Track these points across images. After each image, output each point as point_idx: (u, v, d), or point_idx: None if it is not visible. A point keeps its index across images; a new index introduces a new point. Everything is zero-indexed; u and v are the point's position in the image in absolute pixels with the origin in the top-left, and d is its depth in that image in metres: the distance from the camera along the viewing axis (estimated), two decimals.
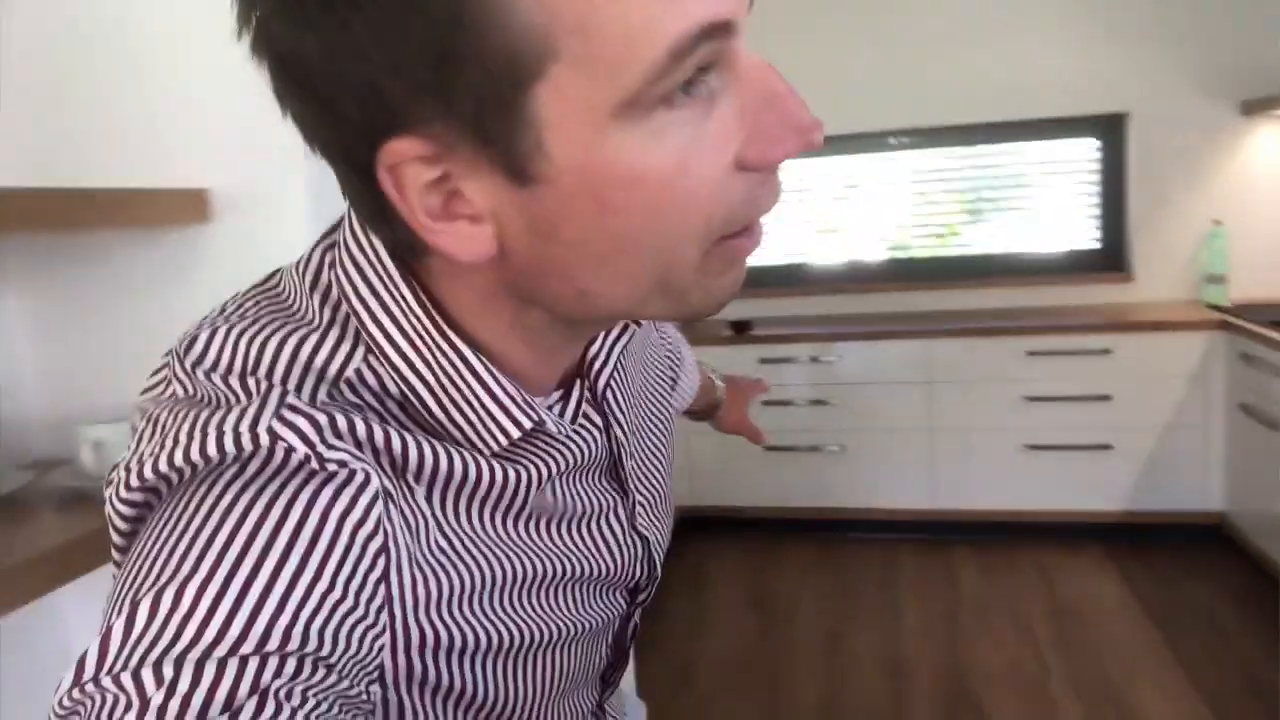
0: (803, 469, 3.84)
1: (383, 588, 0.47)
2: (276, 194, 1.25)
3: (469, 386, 0.52)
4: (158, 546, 0.44)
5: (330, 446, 0.46)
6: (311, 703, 0.40)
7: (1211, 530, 3.49)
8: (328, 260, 0.54)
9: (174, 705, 0.38)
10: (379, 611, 0.46)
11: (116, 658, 0.40)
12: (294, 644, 0.41)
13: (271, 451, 0.45)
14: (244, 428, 0.45)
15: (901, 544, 3.74)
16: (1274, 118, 3.58)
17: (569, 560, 0.61)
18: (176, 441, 0.46)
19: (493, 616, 0.54)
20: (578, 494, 0.62)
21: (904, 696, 2.72)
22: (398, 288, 0.51)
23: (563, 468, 0.59)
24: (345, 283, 0.52)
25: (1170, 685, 2.65)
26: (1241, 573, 3.27)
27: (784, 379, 3.78)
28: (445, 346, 0.51)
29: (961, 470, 3.70)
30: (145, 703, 0.38)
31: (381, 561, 0.47)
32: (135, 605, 0.41)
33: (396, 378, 0.51)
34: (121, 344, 1.34)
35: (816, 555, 3.72)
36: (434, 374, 0.51)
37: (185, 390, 0.51)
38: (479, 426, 0.52)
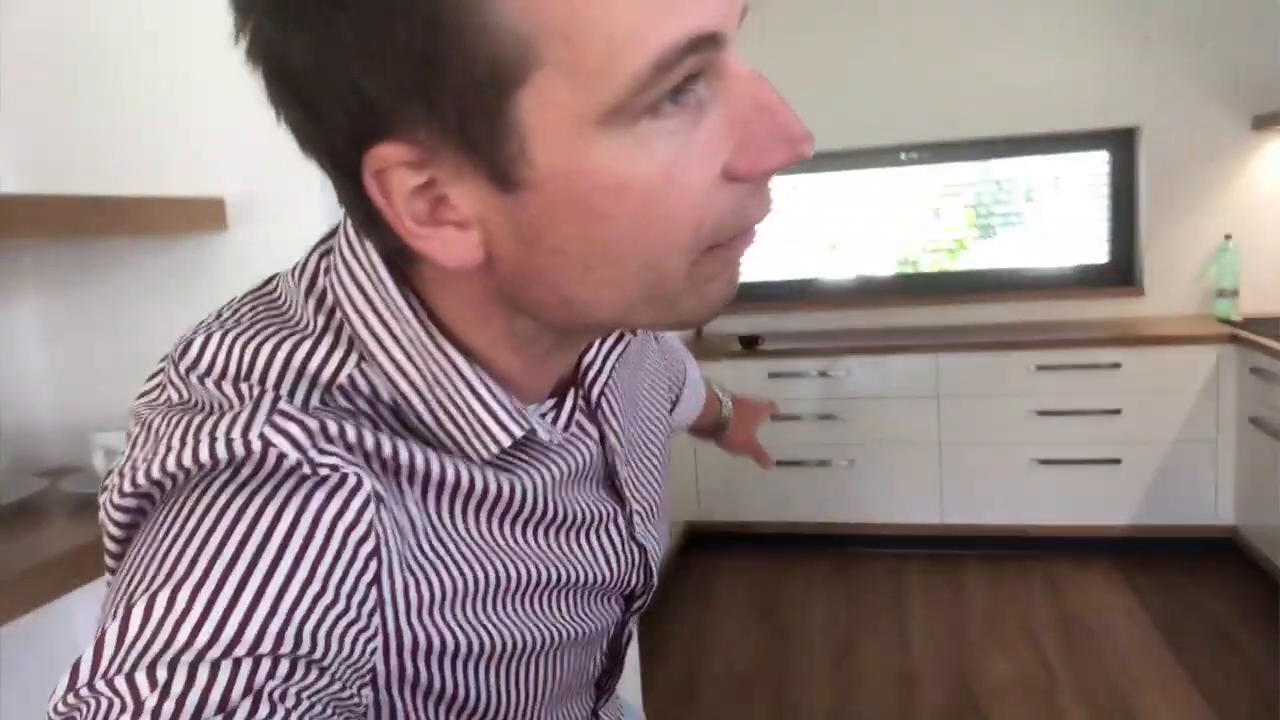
0: (811, 483, 3.83)
1: (374, 591, 0.47)
2: (292, 202, 1.25)
3: (459, 393, 0.51)
4: (152, 551, 0.44)
5: (322, 451, 0.46)
6: (305, 704, 0.40)
7: (1222, 544, 3.47)
8: (323, 266, 0.54)
9: (168, 707, 0.38)
10: (371, 614, 0.46)
11: (111, 662, 0.40)
12: (287, 646, 0.41)
13: (264, 457, 0.45)
14: (236, 434, 0.46)
15: (910, 558, 3.73)
16: None
17: (564, 567, 0.60)
18: (170, 447, 0.46)
19: (485, 621, 0.54)
20: (576, 502, 0.62)
21: (913, 710, 2.70)
22: (390, 294, 0.51)
23: (556, 477, 0.59)
24: (339, 289, 0.52)
25: (1179, 698, 2.62)
26: (1251, 586, 3.24)
27: (793, 393, 3.78)
28: (437, 353, 0.51)
29: (970, 485, 3.69)
30: (140, 705, 0.38)
31: (373, 565, 0.47)
32: (129, 609, 0.41)
33: (388, 384, 0.51)
34: (135, 352, 1.33)
35: (825, 570, 3.71)
36: (425, 380, 0.51)
37: (180, 395, 0.51)
38: (469, 434, 0.52)
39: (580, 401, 0.63)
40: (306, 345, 0.51)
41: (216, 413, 0.48)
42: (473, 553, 0.54)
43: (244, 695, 0.39)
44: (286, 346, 0.50)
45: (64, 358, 1.39)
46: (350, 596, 0.45)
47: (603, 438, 0.65)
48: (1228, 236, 3.62)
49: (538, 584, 0.58)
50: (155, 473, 0.46)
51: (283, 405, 0.48)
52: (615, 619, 0.70)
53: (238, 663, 0.39)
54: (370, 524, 0.47)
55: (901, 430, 3.73)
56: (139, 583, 0.43)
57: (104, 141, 1.31)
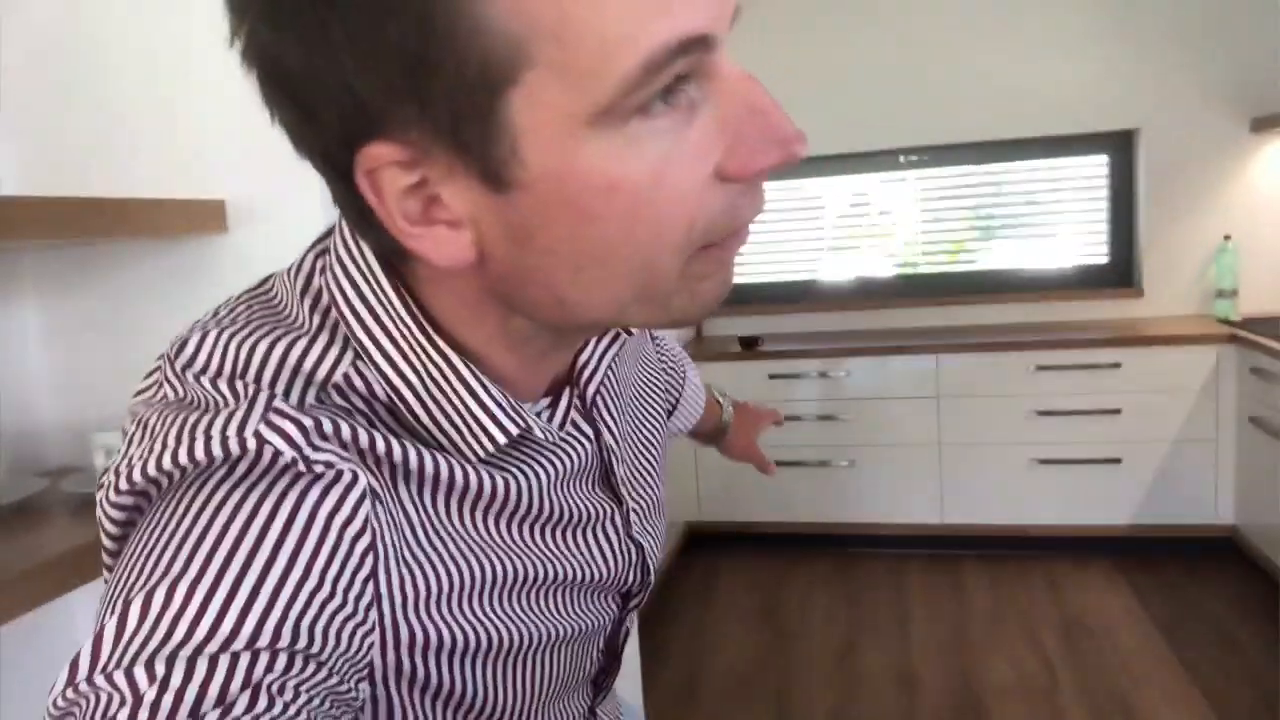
0: (812, 484, 3.83)
1: (370, 586, 0.47)
2: (293, 204, 1.25)
3: (455, 392, 0.52)
4: (148, 547, 0.44)
5: (316, 448, 0.46)
6: (303, 698, 0.41)
7: (1222, 543, 3.47)
8: (319, 266, 0.54)
9: (167, 701, 0.38)
10: (368, 609, 0.47)
11: (109, 657, 0.40)
12: (284, 640, 0.41)
13: (259, 454, 0.45)
14: (231, 431, 0.46)
15: (911, 558, 3.73)
16: None
17: (561, 564, 0.60)
18: (165, 445, 0.47)
19: (481, 617, 0.54)
20: (573, 500, 0.62)
21: (913, 710, 2.70)
22: (385, 293, 0.51)
23: (552, 475, 0.59)
24: (334, 288, 0.52)
25: (1180, 698, 2.63)
26: (1251, 585, 3.24)
27: (793, 394, 3.79)
28: (432, 352, 0.51)
29: (971, 485, 3.69)
30: (139, 699, 0.38)
31: (369, 559, 0.47)
32: (127, 605, 0.41)
33: (383, 383, 0.51)
34: (136, 353, 1.33)
35: (826, 570, 3.71)
36: (420, 379, 0.51)
37: (176, 393, 0.51)
38: (465, 432, 0.52)
39: (576, 400, 0.63)
40: (302, 344, 0.51)
41: (212, 410, 0.48)
42: (469, 549, 0.54)
43: (242, 689, 0.39)
44: (282, 345, 0.51)
45: (64, 358, 1.39)
46: (347, 591, 0.45)
47: (598, 436, 0.65)
48: (1227, 237, 3.63)
49: (534, 580, 0.58)
50: (151, 470, 0.46)
51: (278, 403, 0.48)
52: (612, 616, 0.70)
53: (235, 657, 0.40)
54: (366, 519, 0.47)
55: (902, 431, 3.73)
56: (136, 579, 0.43)
57: (104, 143, 1.31)
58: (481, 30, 0.40)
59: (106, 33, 1.29)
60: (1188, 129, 3.69)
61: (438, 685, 0.53)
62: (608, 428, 0.66)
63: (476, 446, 0.53)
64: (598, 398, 0.65)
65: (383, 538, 0.48)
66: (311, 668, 0.42)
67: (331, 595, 0.44)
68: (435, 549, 0.52)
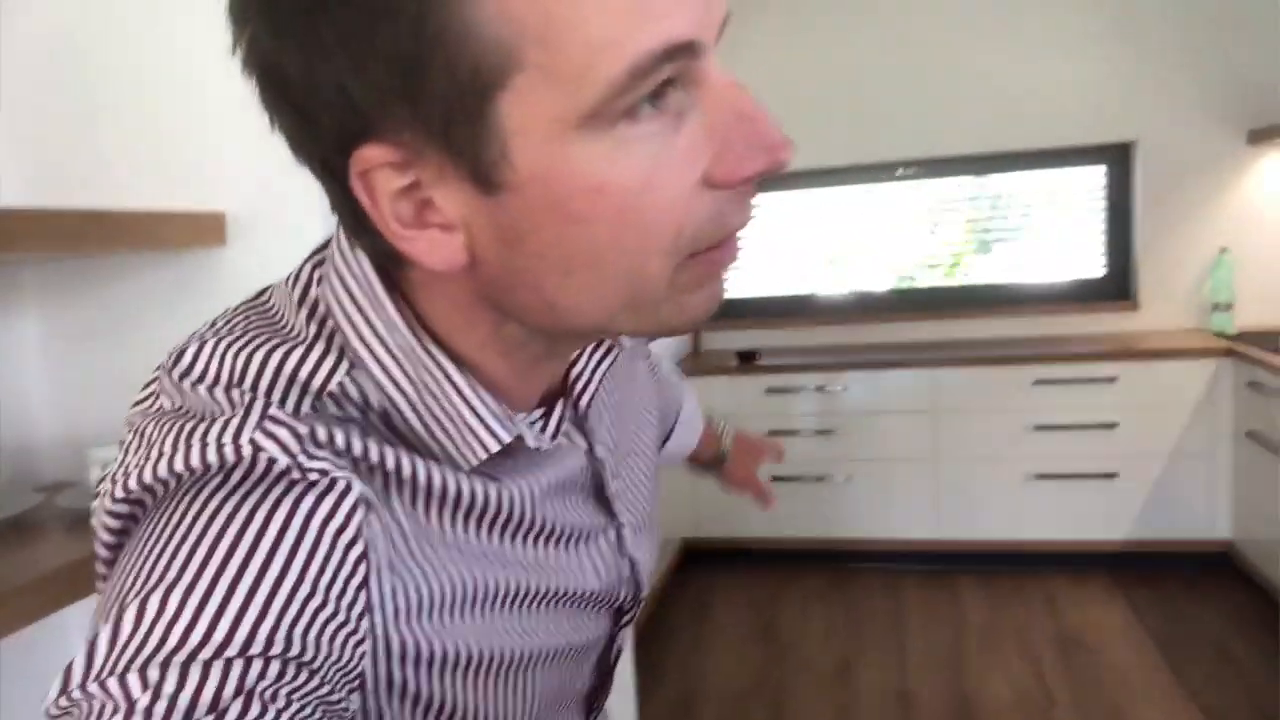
0: (808, 499, 3.83)
1: (363, 594, 0.47)
2: (293, 216, 1.25)
3: (448, 398, 0.52)
4: (144, 555, 0.44)
5: (311, 456, 0.47)
6: (295, 706, 0.41)
7: (1218, 558, 3.47)
8: (316, 276, 0.55)
9: (160, 707, 0.38)
10: (360, 618, 0.47)
11: (104, 664, 0.40)
12: (277, 648, 0.41)
13: (254, 462, 0.46)
14: (226, 439, 0.46)
15: (907, 574, 3.72)
16: None
17: (553, 577, 0.60)
18: (161, 453, 0.47)
19: (473, 629, 0.54)
20: (565, 514, 0.62)
21: None
22: (379, 300, 0.51)
23: (544, 487, 0.59)
24: (331, 296, 0.53)
25: (1177, 714, 2.62)
26: (1248, 600, 3.25)
27: (790, 409, 3.79)
28: (426, 359, 0.52)
29: (967, 499, 3.69)
30: (131, 706, 0.38)
31: (362, 568, 0.47)
32: (122, 613, 0.42)
33: (378, 391, 0.52)
34: (134, 366, 1.33)
35: (822, 585, 3.71)
36: (414, 387, 0.52)
37: (172, 402, 0.52)
38: (457, 439, 0.52)
39: (569, 411, 0.63)
40: (298, 353, 0.51)
41: (208, 419, 0.48)
42: (461, 559, 0.54)
43: (235, 695, 0.39)
44: (278, 354, 0.51)
45: (63, 371, 1.39)
46: (340, 599, 0.45)
47: (591, 448, 0.65)
48: (1223, 250, 3.64)
49: (526, 594, 0.58)
50: (147, 478, 0.46)
51: (273, 411, 0.48)
52: (604, 633, 0.69)
53: (229, 663, 0.40)
54: (359, 528, 0.47)
55: (898, 445, 3.73)
56: (131, 587, 0.43)
57: (105, 156, 1.31)
58: (472, 34, 0.40)
59: (107, 45, 1.29)
60: (1185, 141, 3.71)
61: (428, 699, 0.53)
62: (600, 440, 0.66)
63: (468, 453, 0.53)
64: (590, 410, 0.65)
65: (376, 547, 0.48)
66: (304, 676, 0.42)
67: (324, 603, 0.44)
68: (428, 558, 0.52)
